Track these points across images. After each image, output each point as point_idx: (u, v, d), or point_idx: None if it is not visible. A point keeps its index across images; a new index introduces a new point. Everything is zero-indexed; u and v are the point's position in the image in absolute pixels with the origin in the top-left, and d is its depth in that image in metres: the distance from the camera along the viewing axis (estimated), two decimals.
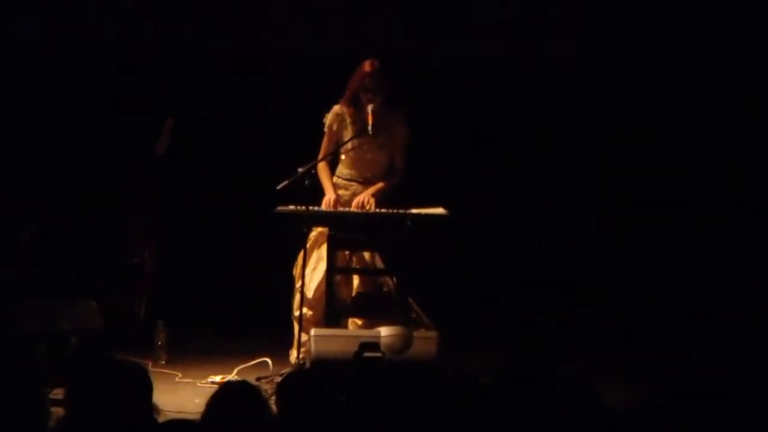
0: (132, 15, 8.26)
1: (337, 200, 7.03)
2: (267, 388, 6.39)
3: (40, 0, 8.24)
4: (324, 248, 6.94)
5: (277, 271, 7.30)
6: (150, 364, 6.99)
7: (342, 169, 7.17)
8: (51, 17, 8.22)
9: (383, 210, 6.94)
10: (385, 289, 7.03)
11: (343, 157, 7.15)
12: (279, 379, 6.23)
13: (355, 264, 7.09)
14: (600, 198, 8.36)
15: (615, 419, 3.90)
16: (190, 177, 8.19)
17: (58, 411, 4.01)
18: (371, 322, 6.88)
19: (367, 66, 6.95)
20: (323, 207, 6.97)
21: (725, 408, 4.09)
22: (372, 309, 6.97)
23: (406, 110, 7.06)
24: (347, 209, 6.99)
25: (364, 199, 6.98)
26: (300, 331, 6.78)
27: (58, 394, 6.04)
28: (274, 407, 4.26)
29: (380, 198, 7.03)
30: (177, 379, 6.89)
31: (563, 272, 8.30)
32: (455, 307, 7.70)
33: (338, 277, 7.00)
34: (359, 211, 6.95)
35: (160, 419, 4.01)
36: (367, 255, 7.07)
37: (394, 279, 6.98)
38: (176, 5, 8.32)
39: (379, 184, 7.08)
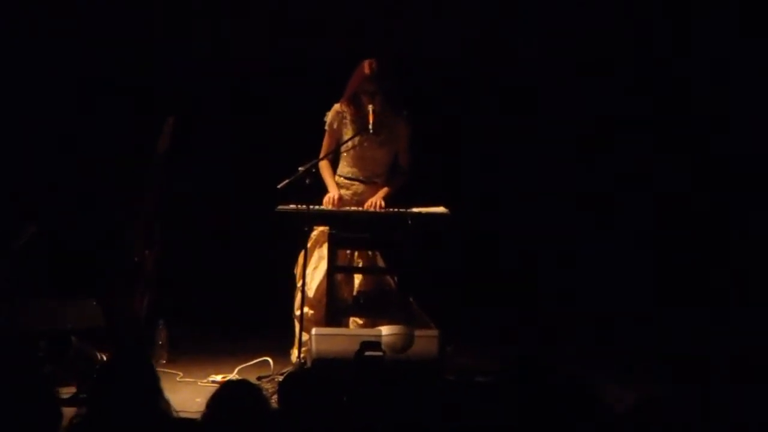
0: (137, 14, 8.26)
1: (340, 198, 7.03)
2: (268, 387, 6.40)
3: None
4: (325, 247, 6.93)
5: (278, 270, 7.30)
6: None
7: (343, 168, 7.16)
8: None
9: (385, 209, 6.94)
10: (386, 288, 7.02)
11: (344, 155, 7.15)
12: (280, 378, 6.26)
13: (356, 263, 7.09)
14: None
15: (614, 418, 3.91)
16: (191, 175, 8.18)
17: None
18: (372, 322, 6.88)
19: (366, 68, 6.93)
20: (324, 204, 6.97)
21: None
22: (373, 308, 6.96)
23: (407, 108, 7.06)
24: (349, 208, 6.99)
25: (377, 203, 6.96)
26: (301, 330, 6.77)
27: (63, 393, 6.10)
28: (275, 406, 4.27)
29: (387, 199, 7.02)
30: (178, 379, 6.89)
31: (565, 271, 8.29)
32: (456, 306, 7.69)
33: (339, 277, 7.00)
34: (363, 209, 6.95)
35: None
36: (368, 254, 7.07)
37: (395, 278, 6.99)
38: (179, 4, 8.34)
39: (386, 188, 7.05)
